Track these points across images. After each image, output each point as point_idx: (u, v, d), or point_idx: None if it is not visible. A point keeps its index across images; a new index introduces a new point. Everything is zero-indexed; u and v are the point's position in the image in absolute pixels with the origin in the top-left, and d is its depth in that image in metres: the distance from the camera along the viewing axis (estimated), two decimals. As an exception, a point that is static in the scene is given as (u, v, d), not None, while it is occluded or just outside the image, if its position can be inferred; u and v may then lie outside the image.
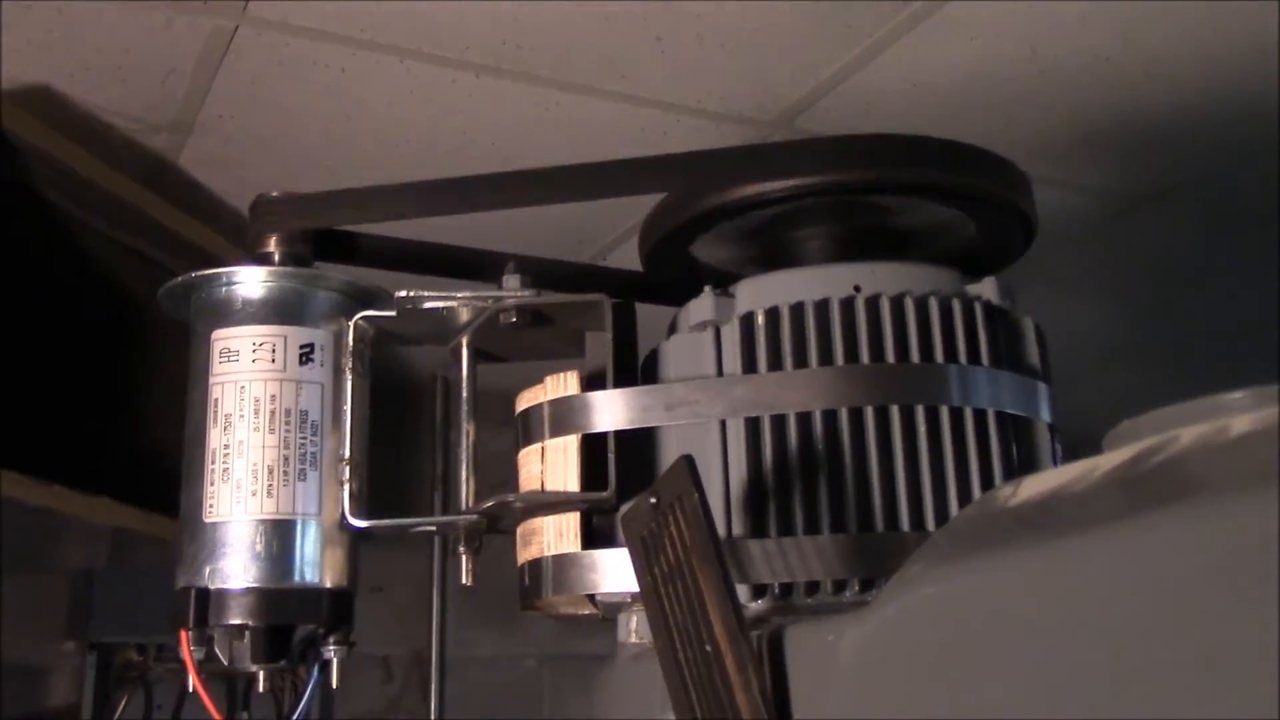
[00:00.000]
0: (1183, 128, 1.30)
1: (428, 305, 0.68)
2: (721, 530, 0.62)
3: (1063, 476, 0.46)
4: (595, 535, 0.65)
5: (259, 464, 0.64)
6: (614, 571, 0.64)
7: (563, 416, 0.65)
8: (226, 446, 0.64)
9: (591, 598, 0.66)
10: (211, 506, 0.64)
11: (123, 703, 1.50)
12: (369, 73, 1.16)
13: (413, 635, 1.76)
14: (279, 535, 0.64)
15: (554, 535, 0.65)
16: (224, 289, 0.67)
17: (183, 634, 0.63)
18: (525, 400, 0.68)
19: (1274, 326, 1.64)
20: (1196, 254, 1.56)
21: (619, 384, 0.66)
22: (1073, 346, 1.41)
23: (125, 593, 1.46)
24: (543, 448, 0.66)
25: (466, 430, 0.70)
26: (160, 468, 1.22)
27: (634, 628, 0.65)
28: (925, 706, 0.46)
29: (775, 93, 1.22)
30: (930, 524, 0.61)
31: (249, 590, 0.63)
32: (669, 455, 0.65)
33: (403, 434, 1.74)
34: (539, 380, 0.67)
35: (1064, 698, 0.40)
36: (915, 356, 0.63)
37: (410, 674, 1.76)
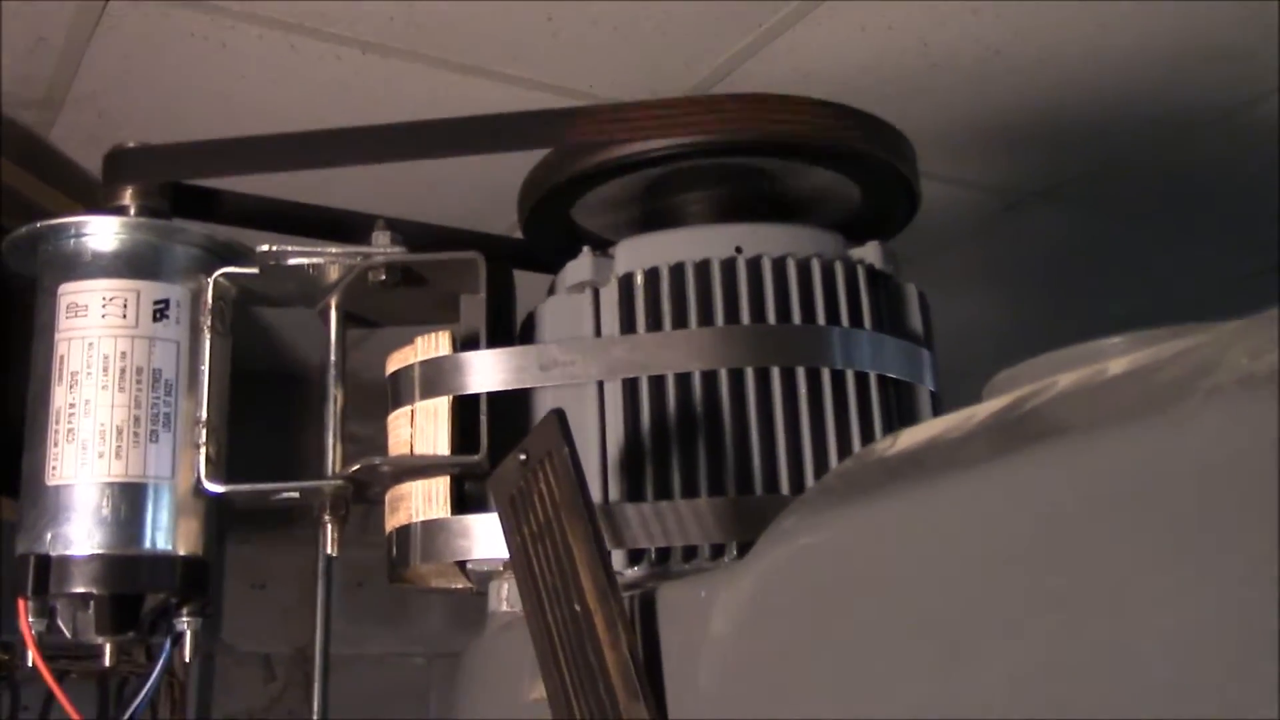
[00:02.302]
0: (1070, 124, 1.32)
1: (292, 262, 0.64)
2: (597, 495, 0.60)
3: (939, 426, 0.45)
4: (466, 501, 0.63)
5: (107, 424, 0.60)
6: (486, 538, 0.61)
7: (433, 378, 0.63)
8: (72, 406, 0.60)
9: (462, 566, 0.63)
10: (54, 469, 0.60)
11: (-13, 703, 1.43)
12: (251, 48, 1.12)
13: (296, 633, 1.71)
14: (127, 499, 0.60)
15: (422, 500, 0.62)
16: (72, 240, 0.63)
17: (21, 604, 0.59)
18: (395, 362, 0.65)
19: (1158, 320, 1.67)
20: (1084, 248, 1.59)
21: (494, 346, 0.64)
22: (965, 341, 1.42)
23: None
24: (412, 410, 0.63)
25: (334, 395, 0.67)
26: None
27: (504, 596, 0.62)
28: (800, 660, 0.44)
29: (668, 78, 1.21)
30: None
31: (94, 557, 0.59)
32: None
33: (289, 426, 1.69)
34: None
35: (935, 642, 0.39)
36: (797, 318, 0.62)
37: (293, 672, 1.71)
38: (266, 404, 1.47)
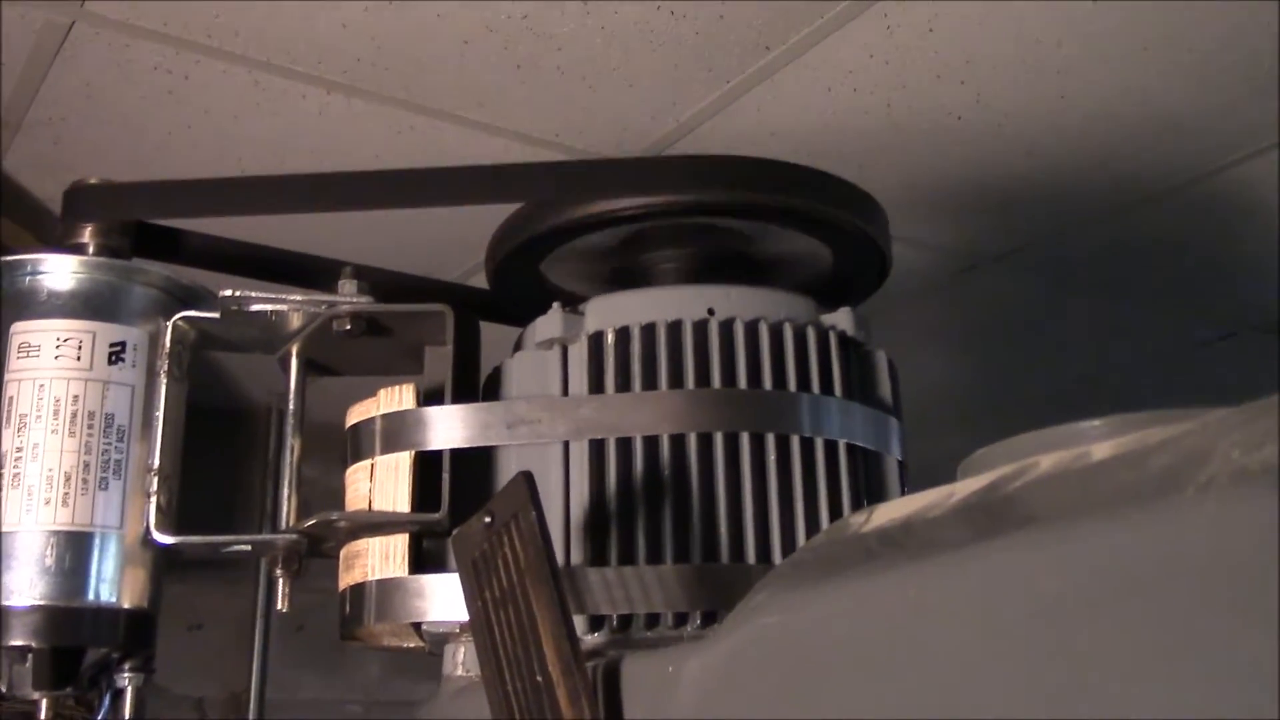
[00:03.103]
0: (1028, 190, 1.34)
1: (255, 308, 0.63)
2: (560, 558, 0.59)
3: (916, 504, 0.45)
4: (424, 559, 0.61)
5: (55, 470, 0.58)
6: (443, 599, 0.60)
7: (395, 432, 0.61)
8: (19, 450, 0.58)
9: (417, 627, 0.61)
10: (-2, 515, 0.58)
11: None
12: (214, 82, 1.10)
13: (231, 676, 1.67)
14: (73, 548, 0.58)
15: (379, 558, 0.60)
16: (28, 278, 0.61)
17: (-45, 656, 0.56)
18: (356, 414, 0.63)
19: (1107, 382, 1.69)
20: (1039, 312, 1.61)
21: (458, 400, 0.62)
22: (919, 400, 1.43)
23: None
24: (372, 465, 0.62)
25: (291, 445, 0.65)
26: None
27: (460, 660, 0.61)
28: (767, 741, 0.43)
29: (635, 131, 1.20)
30: (776, 556, 0.58)
31: (35, 608, 0.57)
32: (508, 477, 0.61)
33: (234, 463, 1.65)
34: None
35: (910, 728, 0.38)
36: (768, 383, 0.61)
37: (226, 715, 1.67)
38: (210, 439, 1.44)
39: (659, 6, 1.01)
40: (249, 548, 0.63)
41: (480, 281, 1.51)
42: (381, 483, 0.61)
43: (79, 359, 0.59)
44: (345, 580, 0.63)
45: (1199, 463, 0.34)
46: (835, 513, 0.60)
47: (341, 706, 1.75)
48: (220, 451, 1.56)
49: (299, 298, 0.63)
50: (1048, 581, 0.36)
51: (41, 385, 0.59)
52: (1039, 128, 1.20)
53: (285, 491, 0.64)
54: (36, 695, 0.57)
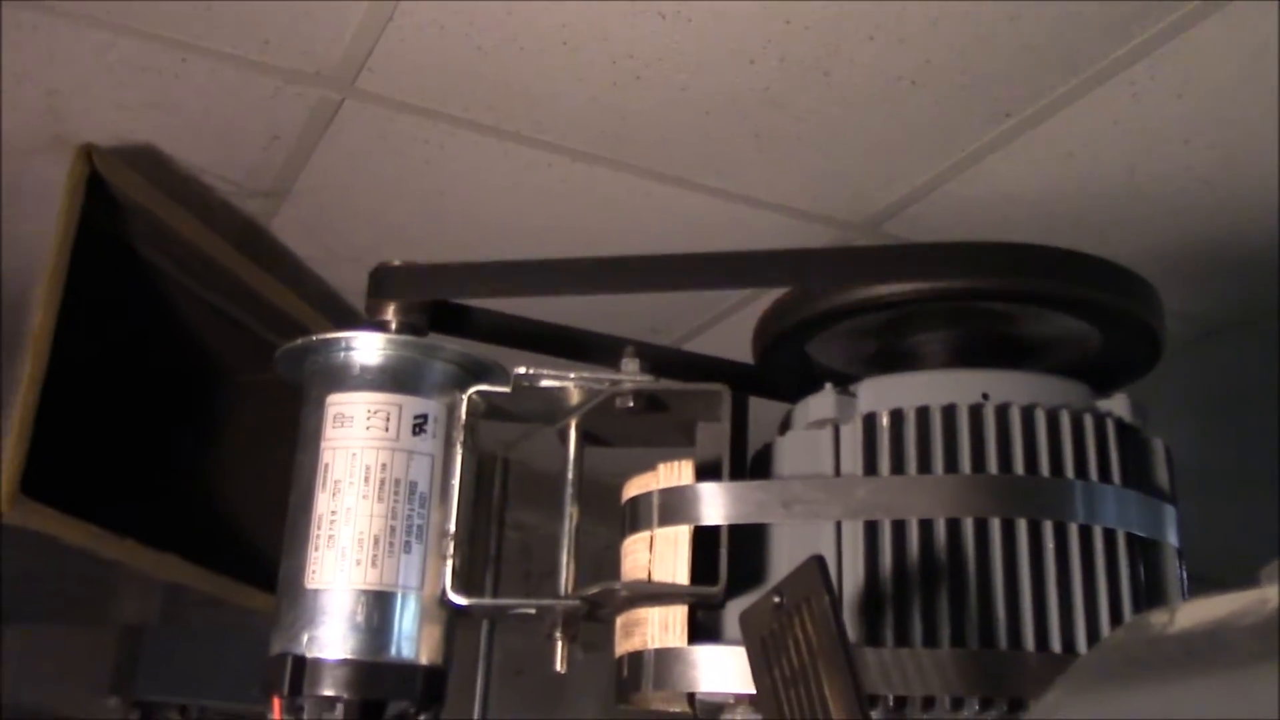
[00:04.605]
0: (1271, 255, 1.29)
1: (544, 384, 0.67)
2: (834, 635, 0.60)
3: (1227, 606, 0.44)
4: (699, 630, 0.63)
5: (365, 533, 0.63)
6: (717, 670, 0.62)
7: (674, 506, 0.64)
8: (334, 513, 0.63)
9: (691, 696, 0.64)
10: (314, 573, 0.63)
11: (160, 764, 1.47)
12: (467, 151, 1.17)
13: (453, 718, 1.73)
14: (379, 607, 0.62)
15: (659, 628, 0.63)
16: (342, 354, 0.66)
17: (275, 701, 0.61)
18: (635, 487, 0.66)
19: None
20: (1276, 381, 1.54)
21: (733, 477, 0.65)
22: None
23: (172, 651, 1.45)
24: (651, 536, 0.64)
25: (570, 513, 0.69)
26: (227, 528, 1.22)
27: (736, 730, 0.63)
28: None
29: (866, 197, 1.22)
30: (1055, 644, 0.58)
31: (345, 661, 0.61)
32: (779, 554, 0.63)
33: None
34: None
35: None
36: (1045, 470, 0.61)
37: (448, 757, 1.72)
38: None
39: (899, 78, 1.03)
40: (533, 611, 0.66)
41: (704, 339, 1.54)
42: (661, 554, 0.63)
43: (387, 430, 0.64)
44: (624, 646, 0.65)
45: None
46: (1114, 601, 0.60)
47: (557, 752, 1.79)
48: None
49: (585, 375, 0.66)
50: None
51: (354, 454, 0.64)
52: (1289, 193, 1.16)
53: (564, 559, 0.67)
54: (344, 743, 0.62)
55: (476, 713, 1.64)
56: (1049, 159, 1.13)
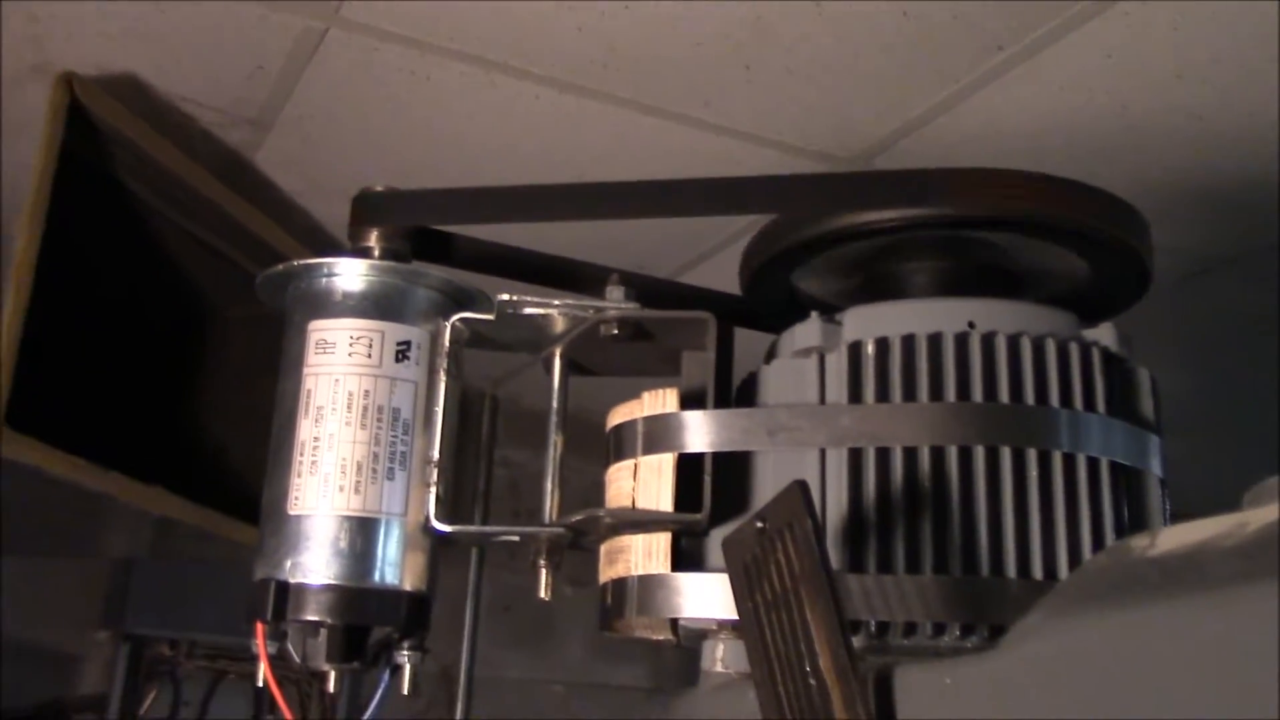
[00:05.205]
0: (1264, 193, 1.29)
1: (528, 311, 0.66)
2: (817, 563, 0.60)
3: (1207, 530, 0.44)
4: (683, 558, 0.63)
5: (348, 459, 0.62)
6: (701, 596, 0.62)
7: (659, 434, 0.64)
8: (316, 439, 0.63)
9: (674, 622, 0.64)
10: (297, 499, 0.63)
11: (151, 696, 1.48)
12: (453, 82, 1.15)
13: (441, 651, 1.74)
14: (363, 533, 0.62)
15: (642, 555, 0.63)
16: (324, 280, 0.65)
17: (258, 626, 0.61)
18: (619, 415, 0.66)
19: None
20: (1268, 320, 1.54)
21: (717, 405, 0.64)
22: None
23: (162, 585, 1.45)
24: (636, 464, 0.64)
25: (554, 442, 0.68)
26: (215, 462, 1.22)
27: (719, 656, 0.63)
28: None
29: (857, 131, 1.21)
30: (1037, 572, 0.59)
31: (329, 587, 0.61)
32: (763, 481, 0.63)
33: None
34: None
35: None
36: (1030, 399, 0.61)
37: (437, 691, 1.74)
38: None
39: (892, 7, 1.01)
40: (517, 538, 0.66)
41: (690, 277, 1.53)
42: (645, 482, 0.63)
43: (370, 356, 0.64)
44: (607, 574, 0.65)
45: None
46: (1097, 529, 0.60)
47: (545, 687, 1.81)
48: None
49: (570, 302, 0.66)
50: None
51: (336, 380, 0.63)
52: (1283, 128, 1.15)
53: (548, 486, 0.67)
54: (327, 667, 0.62)
55: (465, 646, 1.65)
56: (1040, 93, 1.12)
